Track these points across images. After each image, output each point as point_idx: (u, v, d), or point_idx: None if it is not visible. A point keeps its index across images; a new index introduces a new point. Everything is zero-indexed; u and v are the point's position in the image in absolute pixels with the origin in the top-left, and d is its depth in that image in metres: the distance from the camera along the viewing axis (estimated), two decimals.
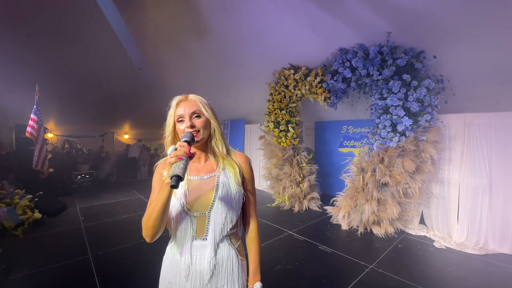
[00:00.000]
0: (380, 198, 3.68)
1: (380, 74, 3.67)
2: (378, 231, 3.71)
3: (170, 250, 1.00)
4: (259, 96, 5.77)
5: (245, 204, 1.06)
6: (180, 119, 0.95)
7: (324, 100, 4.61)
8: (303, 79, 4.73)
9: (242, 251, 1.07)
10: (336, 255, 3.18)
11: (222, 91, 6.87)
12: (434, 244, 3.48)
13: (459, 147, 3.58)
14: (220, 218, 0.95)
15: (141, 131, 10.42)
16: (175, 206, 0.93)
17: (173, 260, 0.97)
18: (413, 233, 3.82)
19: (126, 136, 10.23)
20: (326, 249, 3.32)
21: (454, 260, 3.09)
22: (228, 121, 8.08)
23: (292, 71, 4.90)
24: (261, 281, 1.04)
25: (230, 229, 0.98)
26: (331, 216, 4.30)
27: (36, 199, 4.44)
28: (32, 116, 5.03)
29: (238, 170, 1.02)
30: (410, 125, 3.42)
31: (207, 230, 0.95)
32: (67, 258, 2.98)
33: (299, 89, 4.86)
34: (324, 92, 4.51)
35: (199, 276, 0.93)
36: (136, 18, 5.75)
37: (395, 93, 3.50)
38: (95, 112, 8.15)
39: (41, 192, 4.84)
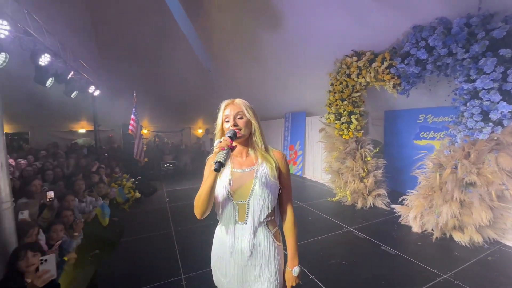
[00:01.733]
0: (464, 200, 3.11)
1: (466, 52, 3.03)
2: (460, 238, 3.17)
3: (219, 231, 1.21)
4: (321, 87, 5.60)
5: (282, 196, 1.18)
6: (226, 119, 1.13)
7: (393, 87, 4.12)
8: (368, 65, 4.33)
9: (279, 237, 1.19)
10: (401, 258, 2.91)
11: (283, 84, 6.95)
12: None
13: None
14: (258, 205, 1.10)
15: (212, 125, 11.63)
16: (221, 193, 1.12)
17: (220, 239, 1.18)
18: None
19: (200, 131, 11.60)
20: (390, 250, 3.08)
21: None
22: (289, 113, 8.13)
23: (355, 58, 4.55)
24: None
25: (267, 216, 1.13)
26: (399, 216, 3.90)
27: (136, 182, 5.68)
28: (132, 116, 6.34)
29: (274, 165, 1.14)
30: (509, 112, 2.74)
31: (247, 216, 1.11)
32: (157, 230, 3.77)
33: (363, 77, 4.48)
34: (393, 78, 4.03)
35: (241, 253, 1.12)
36: (204, 24, 6.41)
37: (488, 74, 2.84)
38: (176, 111, 9.62)
39: (140, 177, 6.12)
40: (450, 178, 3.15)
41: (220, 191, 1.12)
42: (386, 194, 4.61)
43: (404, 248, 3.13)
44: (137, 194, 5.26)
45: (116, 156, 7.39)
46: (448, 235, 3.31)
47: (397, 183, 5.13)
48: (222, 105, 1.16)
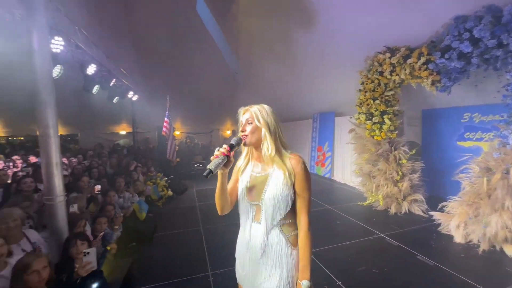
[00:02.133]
0: None
1: None
2: None
3: (241, 228, 1.29)
4: (351, 86, 5.39)
5: (296, 204, 1.15)
6: (241, 125, 1.20)
7: (432, 84, 3.81)
8: (402, 62, 4.07)
9: (296, 241, 1.16)
10: (440, 269, 2.68)
11: (311, 84, 6.83)
12: None
13: None
14: (269, 209, 1.13)
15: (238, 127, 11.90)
16: (240, 193, 1.22)
17: (241, 235, 1.27)
18: None
19: (228, 132, 11.91)
20: (427, 260, 2.85)
21: None
22: (318, 114, 7.94)
23: (388, 55, 4.30)
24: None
25: (281, 220, 1.14)
26: (439, 224, 3.58)
27: (169, 181, 6.02)
28: (165, 119, 6.74)
29: (287, 172, 1.11)
30: None
31: (261, 216, 1.16)
32: (187, 227, 3.97)
33: (397, 74, 4.21)
34: (432, 74, 3.73)
35: (254, 251, 1.17)
36: (232, 29, 6.58)
37: None
38: (205, 113, 10.03)
39: (172, 176, 6.48)
40: (500, 184, 2.81)
41: (240, 192, 1.22)
42: (423, 199, 4.26)
43: (444, 259, 2.87)
44: (170, 192, 5.58)
45: (152, 156, 7.92)
46: (498, 248, 2.96)
47: (436, 188, 4.72)
48: (240, 112, 1.22)
